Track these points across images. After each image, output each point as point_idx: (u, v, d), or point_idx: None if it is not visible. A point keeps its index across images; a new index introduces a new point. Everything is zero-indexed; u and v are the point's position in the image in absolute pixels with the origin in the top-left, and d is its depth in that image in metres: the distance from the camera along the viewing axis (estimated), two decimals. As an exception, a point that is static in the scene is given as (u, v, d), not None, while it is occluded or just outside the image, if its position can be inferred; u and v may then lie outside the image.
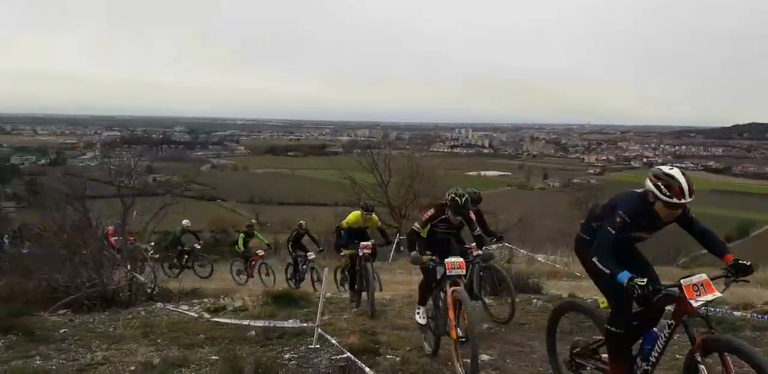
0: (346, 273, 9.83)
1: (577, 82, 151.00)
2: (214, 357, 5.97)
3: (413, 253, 5.89)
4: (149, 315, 8.27)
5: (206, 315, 8.04)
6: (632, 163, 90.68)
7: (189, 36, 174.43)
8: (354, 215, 9.12)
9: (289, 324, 6.88)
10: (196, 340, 6.84)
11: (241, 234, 15.63)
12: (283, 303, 8.53)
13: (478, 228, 6.57)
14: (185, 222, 16.73)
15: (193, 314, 8.19)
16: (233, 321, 7.40)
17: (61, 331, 7.27)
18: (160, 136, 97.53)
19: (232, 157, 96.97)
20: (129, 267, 9.90)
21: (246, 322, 7.13)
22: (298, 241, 14.38)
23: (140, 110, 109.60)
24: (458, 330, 5.31)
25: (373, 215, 9.12)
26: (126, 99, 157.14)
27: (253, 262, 14.94)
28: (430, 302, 6.05)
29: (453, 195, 5.94)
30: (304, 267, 13.94)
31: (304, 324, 6.69)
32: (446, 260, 5.56)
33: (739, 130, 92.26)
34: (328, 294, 10.06)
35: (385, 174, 31.04)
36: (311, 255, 13.60)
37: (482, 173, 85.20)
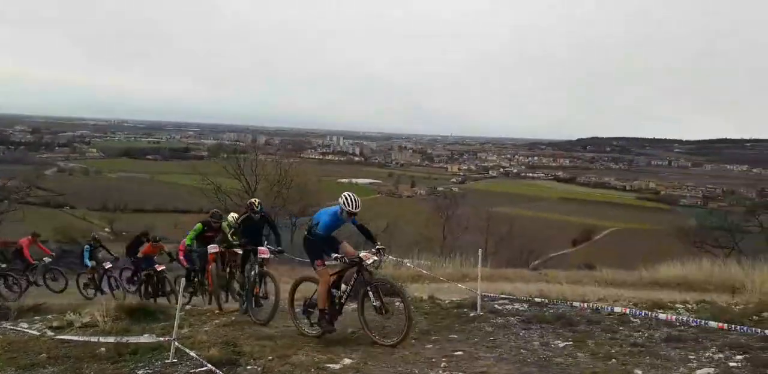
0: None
1: (443, 94, 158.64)
2: (56, 378, 5.50)
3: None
4: (-20, 335, 7.41)
5: (49, 333, 7.39)
6: (490, 172, 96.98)
7: (32, 24, 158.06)
8: None
9: (144, 338, 6.52)
10: (37, 360, 6.28)
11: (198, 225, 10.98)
12: (138, 317, 8.07)
13: None
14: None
15: (34, 332, 7.49)
16: (80, 337, 6.86)
17: None
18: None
19: (83, 160, 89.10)
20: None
21: (95, 339, 6.65)
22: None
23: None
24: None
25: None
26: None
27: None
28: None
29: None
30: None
31: (161, 338, 6.38)
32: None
33: (583, 143, 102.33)
34: (188, 307, 9.68)
35: (252, 180, 30.45)
36: (265, 254, 8.43)
37: (354, 181, 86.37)
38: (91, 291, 14.29)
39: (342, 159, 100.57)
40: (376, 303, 6.62)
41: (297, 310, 7.48)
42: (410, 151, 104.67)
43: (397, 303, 6.95)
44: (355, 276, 6.86)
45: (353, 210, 6.84)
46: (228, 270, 10.10)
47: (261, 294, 8.23)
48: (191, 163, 55.45)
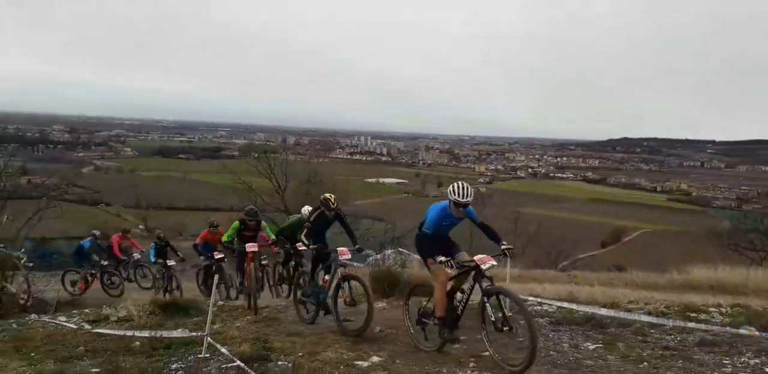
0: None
1: (470, 95, 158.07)
2: (94, 370, 5.67)
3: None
4: (22, 327, 7.68)
5: (86, 327, 7.61)
6: (518, 172, 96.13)
7: (71, 29, 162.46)
8: None
9: (177, 333, 6.66)
10: (74, 353, 6.46)
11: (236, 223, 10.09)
12: (172, 312, 8.25)
13: None
14: None
15: (71, 325, 7.72)
16: (116, 331, 7.05)
17: None
18: (37, 135, 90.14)
19: (118, 158, 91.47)
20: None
21: (130, 333, 6.83)
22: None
23: (13, 105, 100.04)
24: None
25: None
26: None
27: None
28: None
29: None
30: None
31: (193, 334, 6.51)
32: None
33: (613, 144, 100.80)
34: (220, 302, 9.85)
35: (282, 179, 30.73)
36: (346, 254, 7.50)
37: (381, 180, 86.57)
38: (161, 289, 14.00)
39: (369, 159, 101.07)
40: (496, 317, 5.50)
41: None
42: (437, 150, 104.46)
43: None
44: (471, 283, 5.84)
45: (460, 199, 5.74)
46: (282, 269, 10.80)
47: (348, 301, 7.23)
48: (222, 162, 56.22)
